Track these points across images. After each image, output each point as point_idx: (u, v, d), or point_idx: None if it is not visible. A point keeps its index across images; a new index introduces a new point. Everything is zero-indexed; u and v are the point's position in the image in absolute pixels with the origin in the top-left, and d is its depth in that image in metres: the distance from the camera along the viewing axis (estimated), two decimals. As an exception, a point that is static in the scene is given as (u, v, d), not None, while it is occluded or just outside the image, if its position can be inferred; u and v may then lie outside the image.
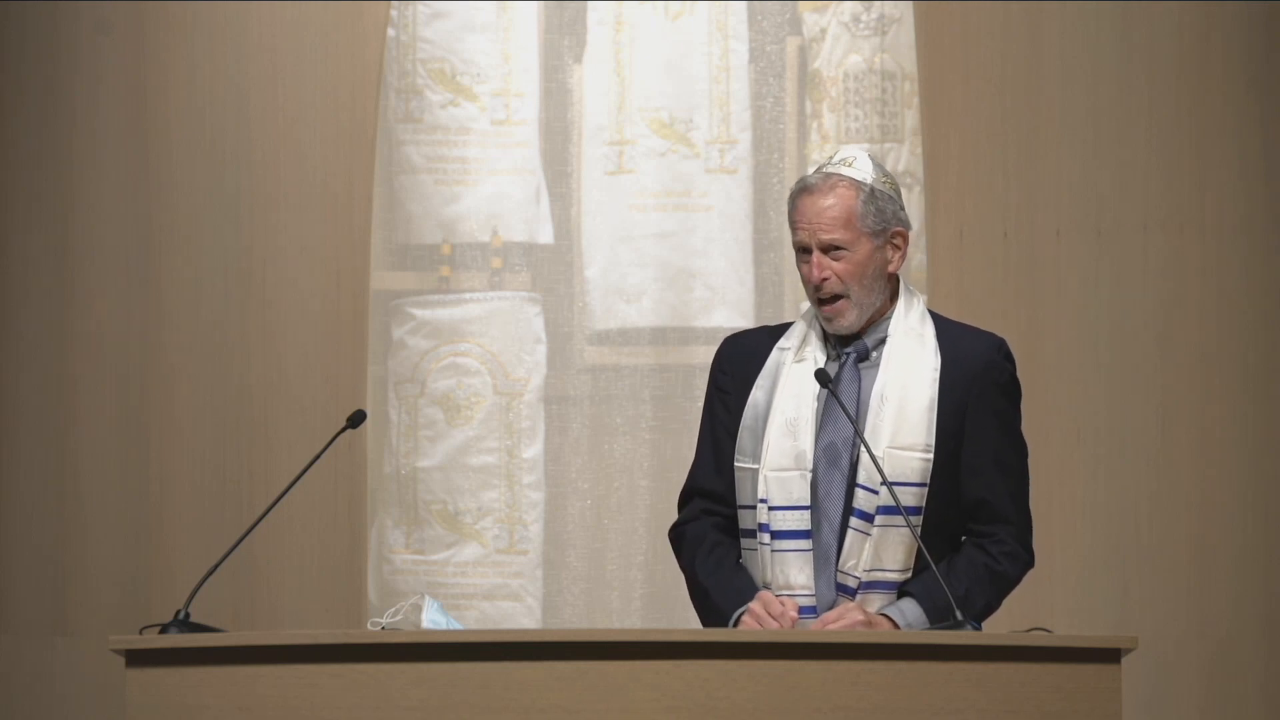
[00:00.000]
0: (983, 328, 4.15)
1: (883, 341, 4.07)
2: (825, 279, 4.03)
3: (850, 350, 4.06)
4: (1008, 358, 4.09)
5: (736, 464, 4.07)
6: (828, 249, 4.03)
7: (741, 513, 4.08)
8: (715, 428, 4.14)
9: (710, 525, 4.11)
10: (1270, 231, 5.88)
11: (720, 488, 4.11)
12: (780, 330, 4.17)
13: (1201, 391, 5.85)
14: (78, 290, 6.03)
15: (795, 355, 4.09)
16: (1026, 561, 4.06)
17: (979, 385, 4.03)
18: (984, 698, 3.55)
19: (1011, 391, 4.09)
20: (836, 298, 4.04)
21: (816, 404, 4.03)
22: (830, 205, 4.03)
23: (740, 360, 4.14)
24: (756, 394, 4.08)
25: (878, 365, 4.05)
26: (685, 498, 4.18)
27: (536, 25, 6.31)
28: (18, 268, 6.04)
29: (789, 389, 4.05)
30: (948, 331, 4.09)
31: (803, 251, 4.05)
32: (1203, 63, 5.90)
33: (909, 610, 3.93)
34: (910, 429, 3.99)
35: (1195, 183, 5.89)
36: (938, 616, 3.88)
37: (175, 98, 6.06)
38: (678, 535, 4.16)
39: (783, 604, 3.94)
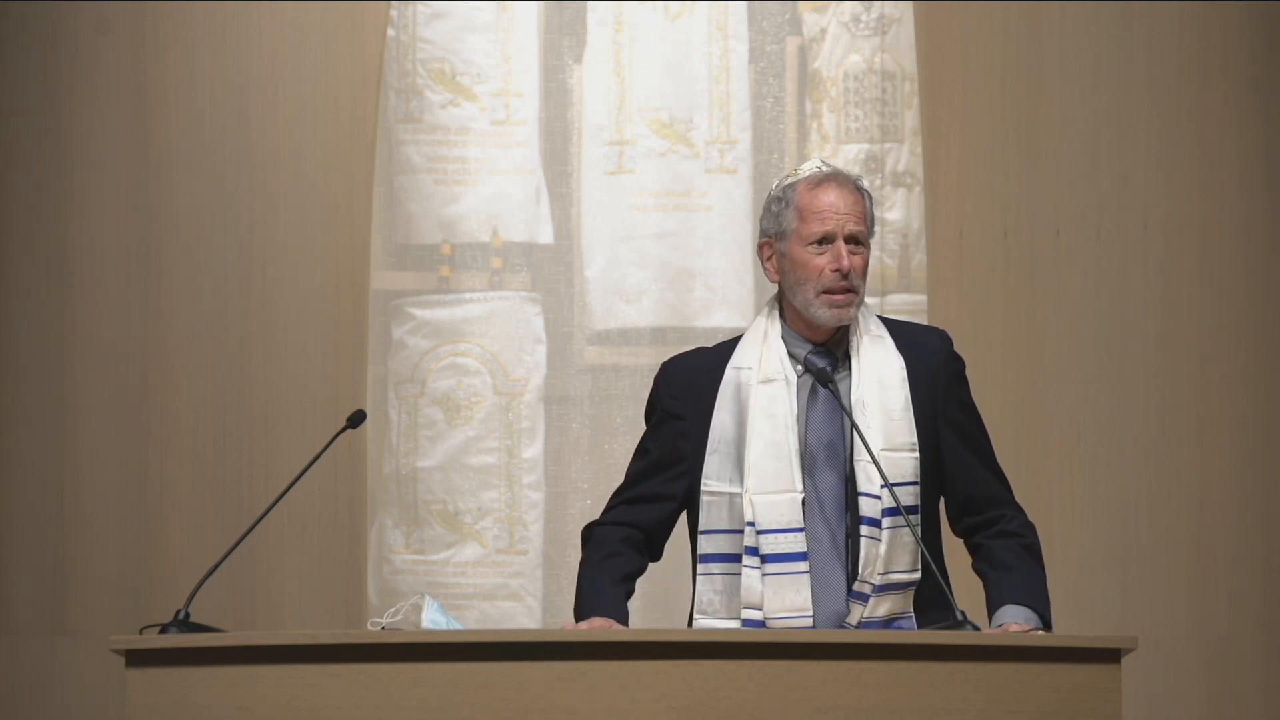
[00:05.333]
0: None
1: (847, 352, 4.07)
2: (851, 267, 4.01)
3: (825, 364, 4.02)
4: (954, 347, 4.12)
5: (707, 488, 4.03)
6: (850, 240, 4.02)
7: (712, 537, 4.03)
8: (662, 452, 4.08)
9: (619, 537, 4.07)
10: (1270, 232, 5.88)
11: (643, 519, 4.07)
12: (724, 349, 4.13)
13: (1201, 391, 5.86)
14: (78, 290, 6.03)
15: (759, 375, 4.06)
16: (1035, 529, 4.09)
17: (942, 380, 4.07)
18: (984, 698, 3.55)
19: (966, 380, 4.13)
20: (851, 290, 4.03)
21: (798, 426, 4.02)
22: (857, 200, 4.04)
23: (689, 384, 4.09)
24: (721, 416, 4.04)
25: (848, 374, 4.05)
26: (614, 499, 4.15)
27: (536, 25, 6.32)
28: (18, 268, 6.04)
29: (762, 410, 4.02)
30: (898, 331, 4.12)
31: (821, 243, 4.03)
32: (1203, 63, 5.90)
33: (1030, 618, 3.93)
34: (896, 430, 4.01)
35: (1195, 183, 5.89)
36: (1044, 608, 3.93)
37: (175, 98, 6.06)
38: (588, 534, 4.12)
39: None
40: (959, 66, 5.97)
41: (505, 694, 3.55)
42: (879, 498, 3.95)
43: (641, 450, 4.14)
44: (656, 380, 4.14)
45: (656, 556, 4.13)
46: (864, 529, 3.96)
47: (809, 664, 3.55)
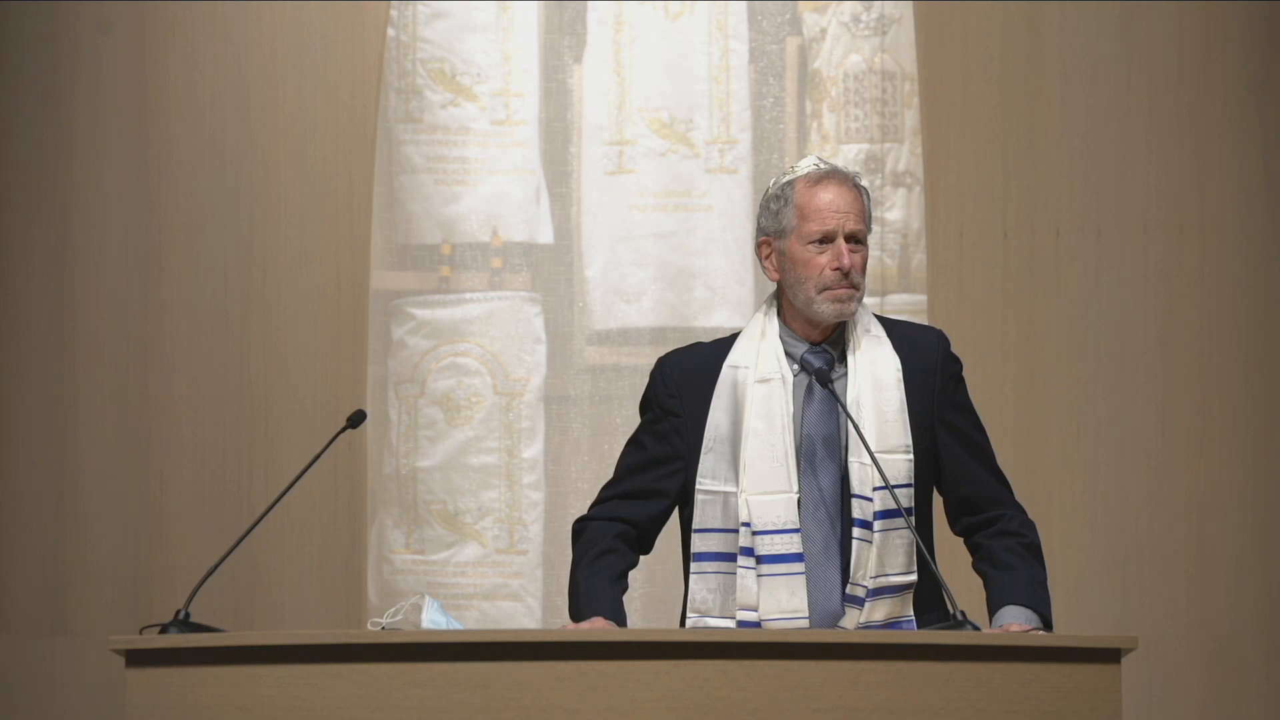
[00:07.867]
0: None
1: (844, 352, 4.06)
2: (852, 265, 4.00)
3: (821, 364, 4.00)
4: (951, 348, 4.10)
5: (701, 486, 4.01)
6: (850, 238, 4.01)
7: (707, 536, 4.01)
8: (657, 448, 4.06)
9: (613, 533, 4.04)
10: (1270, 231, 5.88)
11: (636, 515, 4.04)
12: (721, 346, 4.11)
13: (1201, 391, 5.86)
14: (78, 290, 6.03)
15: (756, 374, 4.04)
16: (1035, 528, 4.07)
17: (938, 381, 4.05)
18: (984, 698, 3.55)
19: (964, 381, 4.11)
20: (852, 286, 4.01)
21: (794, 426, 4.01)
22: (856, 198, 4.02)
23: (686, 381, 4.07)
24: (716, 415, 4.02)
25: (845, 374, 4.03)
26: (605, 492, 4.10)
27: (536, 25, 6.32)
28: (18, 268, 6.04)
29: (758, 410, 4.00)
30: (894, 331, 4.09)
31: (821, 241, 4.01)
32: (1203, 63, 5.90)
33: (1031, 619, 3.92)
34: (890, 432, 3.99)
35: (1195, 183, 5.90)
36: (1045, 608, 3.92)
37: (175, 98, 6.07)
38: (580, 528, 4.08)
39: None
40: (959, 66, 5.97)
41: (505, 694, 3.55)
42: (871, 499, 3.94)
43: (636, 445, 4.11)
44: (653, 375, 4.12)
45: (647, 550, 4.12)
46: (856, 531, 3.94)
47: (809, 664, 3.55)
